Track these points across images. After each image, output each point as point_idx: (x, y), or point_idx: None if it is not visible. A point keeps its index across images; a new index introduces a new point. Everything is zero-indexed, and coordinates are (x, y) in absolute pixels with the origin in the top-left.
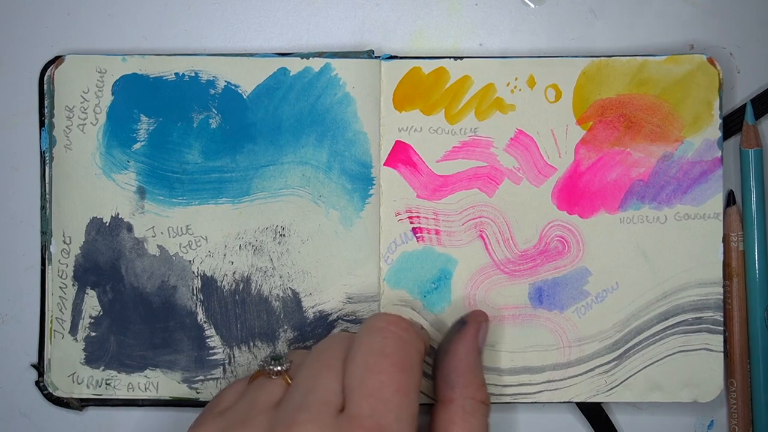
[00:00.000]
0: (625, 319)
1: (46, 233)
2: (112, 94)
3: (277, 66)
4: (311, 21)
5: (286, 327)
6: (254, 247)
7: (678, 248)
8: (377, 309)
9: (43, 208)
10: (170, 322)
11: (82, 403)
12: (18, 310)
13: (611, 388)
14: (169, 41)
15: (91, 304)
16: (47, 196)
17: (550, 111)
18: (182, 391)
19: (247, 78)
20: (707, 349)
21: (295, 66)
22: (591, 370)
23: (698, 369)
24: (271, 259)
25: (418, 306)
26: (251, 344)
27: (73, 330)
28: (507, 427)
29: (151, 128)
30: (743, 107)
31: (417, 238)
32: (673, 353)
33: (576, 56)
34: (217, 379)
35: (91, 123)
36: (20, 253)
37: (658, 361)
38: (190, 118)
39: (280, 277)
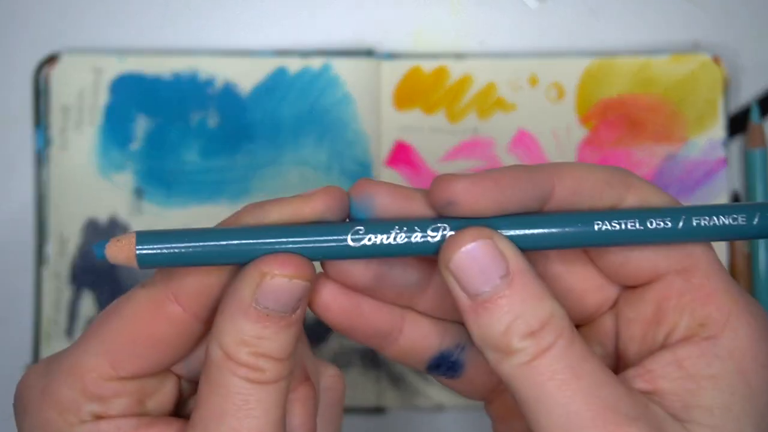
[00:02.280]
0: None
1: (41, 234)
2: (109, 93)
3: (276, 65)
4: (311, 20)
5: None
6: None
7: None
8: None
9: (38, 208)
10: None
11: None
12: (13, 311)
13: None
14: (167, 39)
15: (87, 306)
16: (43, 196)
17: (552, 110)
18: None
19: (246, 77)
20: None
21: (294, 65)
22: None
23: None
24: None
25: None
26: None
27: (69, 332)
28: None
29: (149, 128)
30: (748, 106)
31: None
32: None
33: (578, 55)
34: None
35: (88, 123)
36: (15, 254)
37: None
38: (187, 118)
39: None
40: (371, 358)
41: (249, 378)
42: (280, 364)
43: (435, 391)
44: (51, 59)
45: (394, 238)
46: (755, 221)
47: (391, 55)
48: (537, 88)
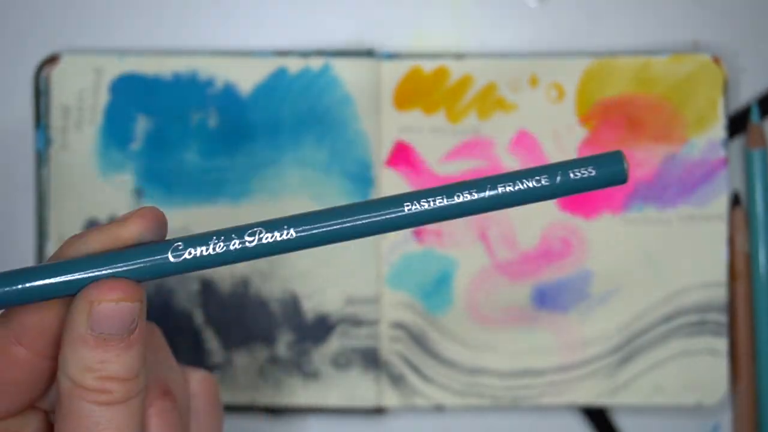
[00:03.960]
0: (628, 320)
1: (41, 235)
2: (109, 93)
3: (276, 65)
4: (311, 20)
5: (285, 329)
6: None
7: (682, 250)
8: (378, 310)
9: (38, 208)
10: (168, 325)
11: None
12: None
13: (614, 391)
14: (167, 40)
15: None
16: (43, 196)
17: (552, 110)
18: None
19: (246, 77)
20: (711, 352)
21: (294, 65)
22: (593, 372)
23: (702, 371)
24: (271, 261)
25: (418, 308)
26: (250, 347)
27: None
28: (507, 430)
29: (149, 128)
30: (748, 106)
31: (418, 239)
32: (677, 355)
33: (578, 55)
34: None
35: (88, 123)
36: (15, 254)
37: (661, 363)
38: (188, 118)
39: (280, 279)
40: (371, 359)
41: (98, 401)
42: (127, 383)
43: (435, 391)
44: (51, 59)
45: (213, 248)
46: (557, 180)
47: (391, 55)
48: (537, 88)
